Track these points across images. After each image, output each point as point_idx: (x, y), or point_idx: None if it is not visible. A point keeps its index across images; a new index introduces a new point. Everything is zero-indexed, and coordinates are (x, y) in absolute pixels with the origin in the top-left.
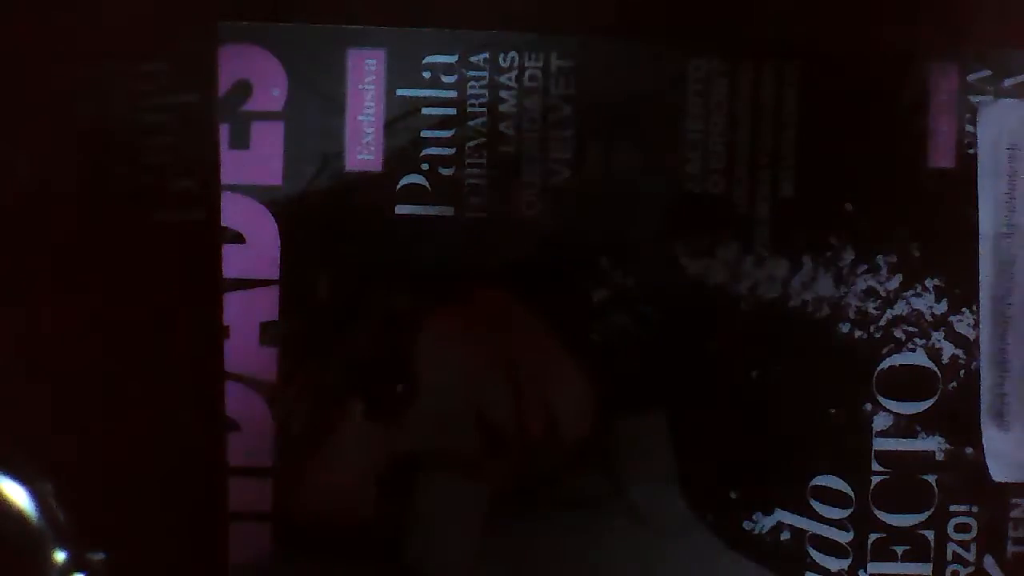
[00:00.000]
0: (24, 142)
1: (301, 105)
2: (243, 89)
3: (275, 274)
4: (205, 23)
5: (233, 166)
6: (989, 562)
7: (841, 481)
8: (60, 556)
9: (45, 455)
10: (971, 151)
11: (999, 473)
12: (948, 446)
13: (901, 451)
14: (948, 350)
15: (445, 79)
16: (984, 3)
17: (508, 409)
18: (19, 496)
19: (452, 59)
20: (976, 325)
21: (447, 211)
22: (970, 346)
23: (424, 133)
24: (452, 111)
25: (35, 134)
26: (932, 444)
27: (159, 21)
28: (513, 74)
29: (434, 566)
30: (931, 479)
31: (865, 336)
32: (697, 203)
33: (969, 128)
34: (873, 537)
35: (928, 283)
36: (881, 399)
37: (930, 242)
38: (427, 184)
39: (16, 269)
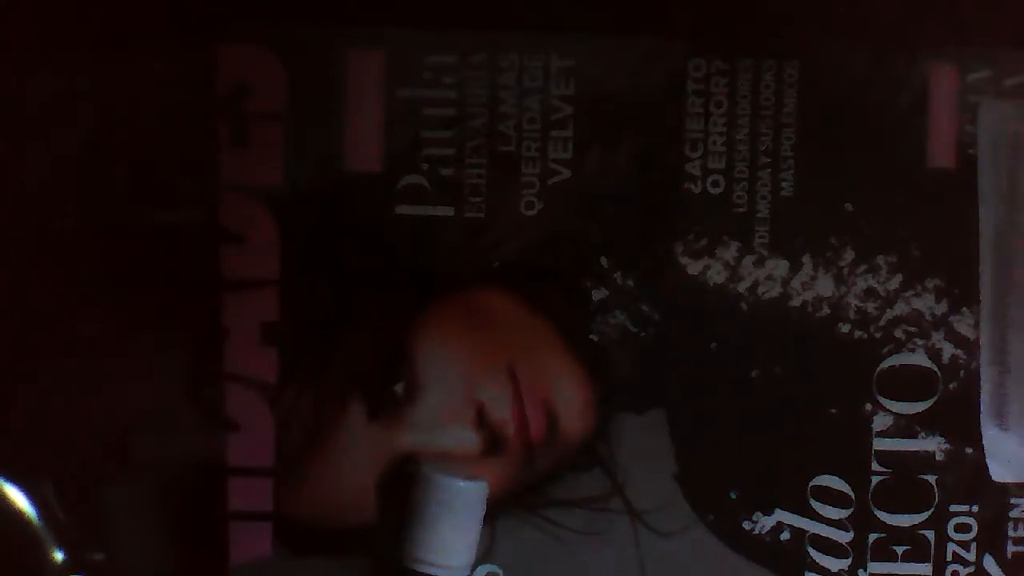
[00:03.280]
0: (25, 142)
1: (301, 105)
2: (243, 89)
3: (275, 274)
4: (205, 23)
5: (233, 166)
6: (989, 562)
7: (841, 481)
8: (59, 556)
9: (45, 455)
10: (971, 151)
11: (999, 473)
12: (948, 446)
13: (901, 451)
14: (948, 350)
15: (445, 79)
16: (984, 3)
17: (508, 409)
18: (19, 496)
19: (452, 59)
20: (976, 325)
21: (447, 211)
22: (970, 346)
23: (424, 133)
24: (452, 111)
25: (35, 134)
26: (932, 444)
27: (159, 21)
28: (513, 74)
29: (434, 566)
30: (931, 479)
31: (865, 336)
32: (697, 203)
33: (969, 128)
34: (873, 537)
35: (928, 283)
36: (881, 399)
37: (930, 242)
38: (427, 184)
39: (16, 269)
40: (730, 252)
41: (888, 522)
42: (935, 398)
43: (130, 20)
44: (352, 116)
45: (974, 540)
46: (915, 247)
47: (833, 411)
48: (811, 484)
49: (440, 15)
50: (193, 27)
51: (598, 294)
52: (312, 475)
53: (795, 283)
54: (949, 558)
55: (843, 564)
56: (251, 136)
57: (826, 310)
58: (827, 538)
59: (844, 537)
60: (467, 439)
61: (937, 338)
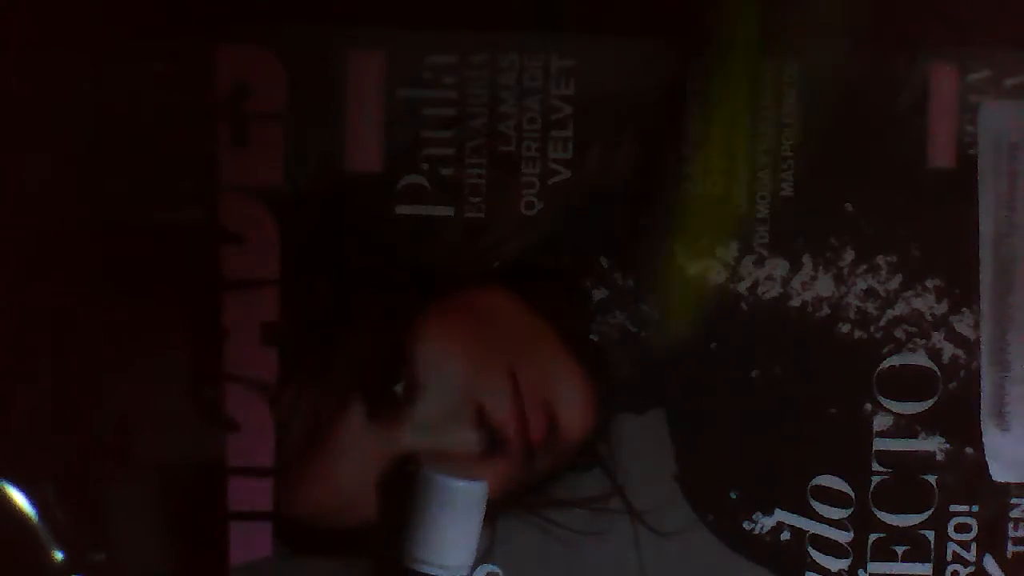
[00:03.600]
0: (25, 142)
1: (301, 105)
2: (243, 89)
3: (275, 274)
4: (205, 23)
5: (233, 166)
6: (989, 562)
7: (841, 481)
8: (59, 556)
9: (45, 455)
10: (971, 151)
11: (999, 473)
12: (948, 446)
13: (901, 451)
14: (948, 350)
15: (445, 79)
16: (984, 3)
17: (508, 409)
18: (19, 496)
19: (452, 59)
20: (976, 325)
21: (447, 211)
22: (970, 346)
23: (424, 133)
24: (452, 111)
25: (35, 134)
26: (932, 444)
27: (159, 21)
28: (513, 74)
29: (434, 566)
30: (931, 479)
31: (865, 336)
32: (697, 203)
33: (969, 128)
34: (873, 537)
35: (928, 283)
36: (881, 399)
37: (930, 242)
38: (427, 184)
39: (16, 269)
40: (730, 252)
41: (888, 522)
42: (935, 398)
43: (130, 20)
44: (352, 116)
45: (974, 540)
46: (915, 247)
47: (833, 411)
48: (811, 484)
49: (440, 15)
50: (193, 27)
51: (598, 294)
52: (312, 475)
53: (795, 283)
54: (949, 558)
55: (843, 564)
56: (251, 136)
57: (826, 310)
58: (827, 538)
59: (844, 537)
60: (467, 439)
61: (937, 338)
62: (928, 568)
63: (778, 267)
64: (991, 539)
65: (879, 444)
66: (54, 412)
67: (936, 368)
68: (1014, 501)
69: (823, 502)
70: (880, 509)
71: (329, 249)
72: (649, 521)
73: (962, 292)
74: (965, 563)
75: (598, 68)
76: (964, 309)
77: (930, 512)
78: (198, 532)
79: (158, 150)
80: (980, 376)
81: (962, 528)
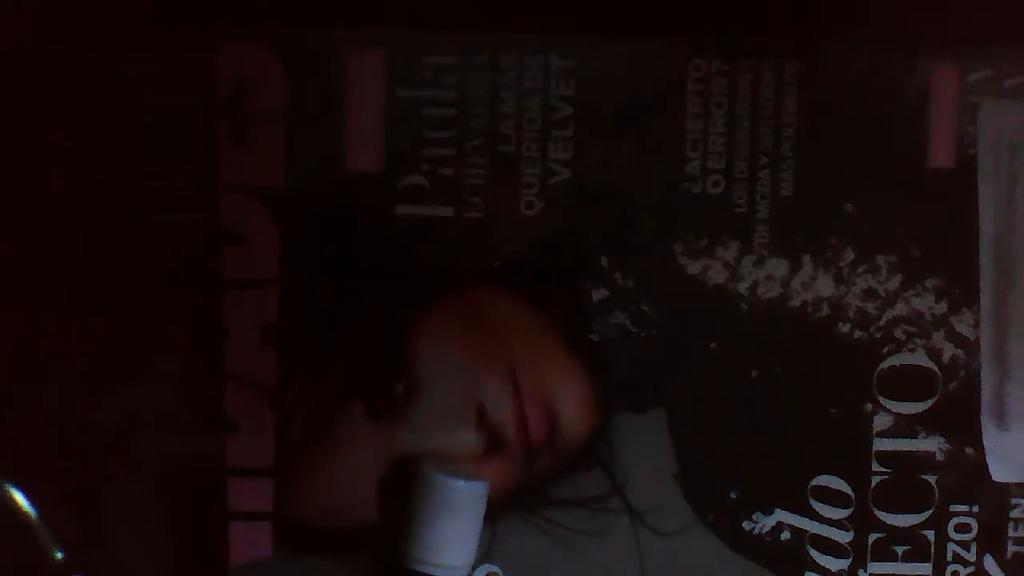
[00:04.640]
0: (24, 142)
1: (301, 105)
2: (243, 89)
3: (275, 274)
4: (205, 23)
5: (233, 166)
6: (989, 562)
7: (841, 481)
8: (59, 556)
9: (45, 455)
10: (971, 151)
11: (999, 473)
12: (948, 446)
13: (901, 451)
14: (948, 350)
15: (445, 79)
16: (984, 3)
17: (508, 409)
18: (19, 497)
19: (452, 59)
20: (976, 325)
21: (447, 211)
22: (970, 346)
23: (424, 133)
24: (452, 111)
25: (35, 134)
26: (932, 444)
27: (160, 21)
28: (513, 74)
29: (434, 566)
30: (931, 479)
31: (865, 336)
32: (697, 203)
33: (969, 128)
34: (873, 537)
35: (928, 283)
36: (881, 399)
37: (930, 242)
38: (427, 184)
39: (16, 269)
40: (730, 252)
41: (888, 522)
42: (935, 398)
43: (130, 20)
44: (352, 116)
45: (974, 540)
46: (915, 247)
47: (833, 411)
48: (811, 484)
49: (440, 15)
50: (193, 27)
51: (598, 294)
52: (312, 475)
53: (795, 283)
54: (949, 558)
55: (843, 564)
56: (251, 136)
57: (826, 310)
58: (827, 538)
59: (844, 537)
60: (467, 439)
61: (937, 338)
62: (928, 568)
63: (778, 267)
64: (991, 539)
65: (879, 444)
66: (54, 412)
67: (936, 368)
68: (1014, 501)
69: (823, 502)
70: (880, 509)
71: (329, 249)
72: (649, 521)
73: (962, 292)
74: (965, 563)
75: (598, 68)
76: (964, 309)
77: (930, 512)
78: (198, 532)
79: (158, 150)
80: (980, 376)
81: (962, 528)
